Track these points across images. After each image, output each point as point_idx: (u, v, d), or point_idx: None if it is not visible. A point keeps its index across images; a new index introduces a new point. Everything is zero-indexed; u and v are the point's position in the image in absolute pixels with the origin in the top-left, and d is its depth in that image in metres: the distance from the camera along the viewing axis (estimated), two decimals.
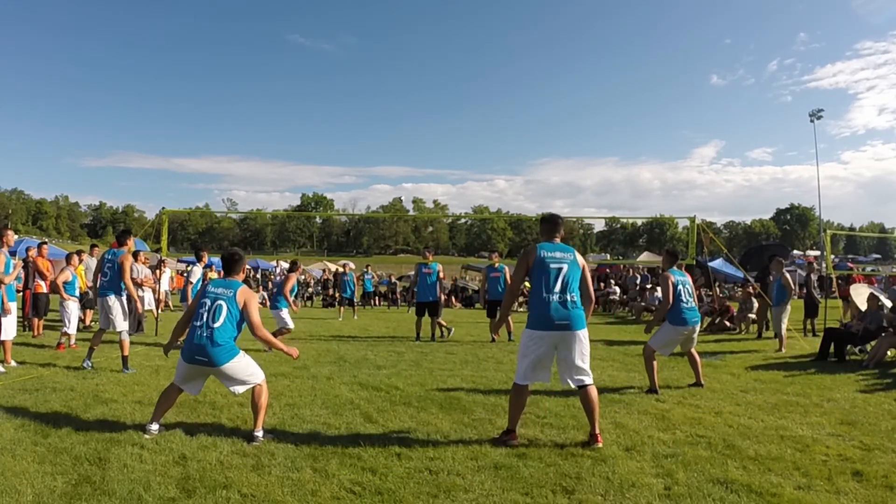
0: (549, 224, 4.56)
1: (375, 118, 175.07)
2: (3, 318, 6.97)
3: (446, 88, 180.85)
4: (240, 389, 4.49)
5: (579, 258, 4.49)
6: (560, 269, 4.33)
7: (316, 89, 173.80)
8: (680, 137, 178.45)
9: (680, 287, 6.44)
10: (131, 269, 11.37)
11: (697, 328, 6.64)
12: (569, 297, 4.30)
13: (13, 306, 7.21)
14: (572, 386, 4.38)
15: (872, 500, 3.44)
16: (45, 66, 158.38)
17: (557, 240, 4.53)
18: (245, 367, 4.46)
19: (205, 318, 4.35)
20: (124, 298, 7.41)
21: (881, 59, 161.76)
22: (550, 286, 4.28)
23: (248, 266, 38.35)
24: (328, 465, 3.86)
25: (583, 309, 4.39)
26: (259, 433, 4.37)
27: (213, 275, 22.59)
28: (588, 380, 4.35)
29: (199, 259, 10.90)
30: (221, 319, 4.33)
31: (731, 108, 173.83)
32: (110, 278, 7.38)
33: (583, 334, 4.33)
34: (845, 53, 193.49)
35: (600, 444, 4.26)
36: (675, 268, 6.73)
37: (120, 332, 7.27)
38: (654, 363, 6.34)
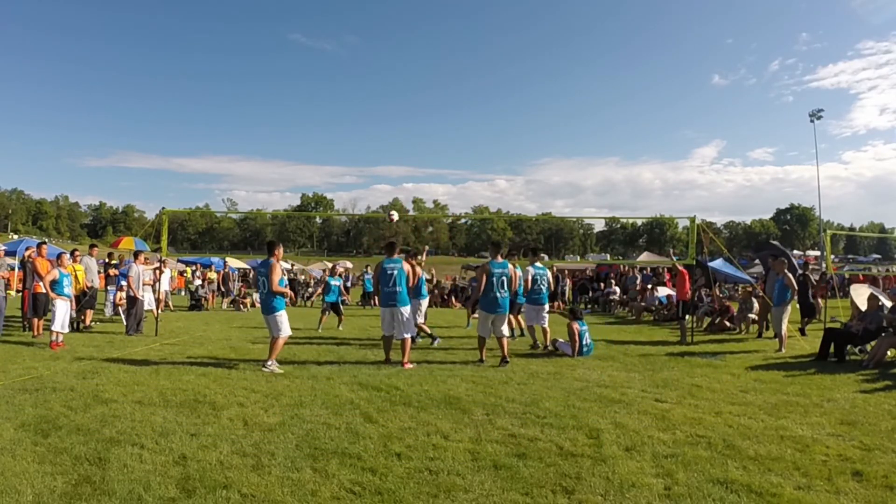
0: (390, 248, 8.42)
1: (377, 118, 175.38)
2: None
3: (448, 88, 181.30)
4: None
5: (406, 266, 8.15)
6: (393, 272, 7.97)
7: (317, 89, 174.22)
8: (681, 137, 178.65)
9: (494, 279, 8.08)
10: (133, 272, 11.47)
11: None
12: (397, 289, 7.96)
13: None
14: (397, 337, 8.02)
15: (872, 500, 3.44)
16: (45, 65, 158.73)
17: (396, 256, 8.20)
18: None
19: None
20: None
21: (883, 59, 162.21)
22: (387, 282, 7.98)
23: (248, 266, 38.40)
24: (328, 465, 3.86)
25: (406, 294, 8.09)
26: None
27: (213, 275, 22.61)
28: (407, 335, 8.07)
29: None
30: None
31: (733, 108, 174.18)
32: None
33: (405, 309, 8.02)
34: (847, 53, 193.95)
35: (408, 367, 7.59)
36: (497, 259, 8.33)
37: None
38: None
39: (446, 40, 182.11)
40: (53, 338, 8.97)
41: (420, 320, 10.47)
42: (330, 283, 14.74)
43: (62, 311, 9.16)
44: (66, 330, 9.35)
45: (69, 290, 9.57)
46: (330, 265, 36.78)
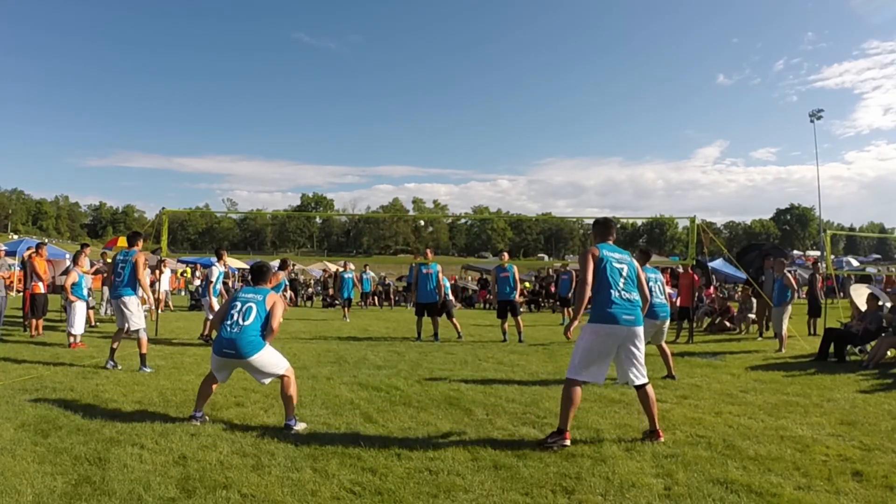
0: (604, 227, 4.79)
1: (379, 117, 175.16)
2: None
3: (451, 87, 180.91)
4: (267, 380, 4.81)
5: (634, 260, 4.73)
6: (622, 270, 4.51)
7: (320, 88, 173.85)
8: (684, 137, 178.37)
9: (651, 283, 6.90)
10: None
11: (667, 323, 7.36)
12: (632, 296, 4.47)
13: None
14: (635, 383, 4.48)
15: (872, 500, 3.44)
16: (45, 65, 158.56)
17: (612, 241, 4.73)
18: (270, 359, 4.74)
19: (235, 317, 4.71)
20: (138, 297, 7.46)
21: (888, 59, 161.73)
22: (616, 284, 4.43)
23: (247, 266, 38.40)
24: (328, 465, 3.86)
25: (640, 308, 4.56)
26: (291, 422, 4.67)
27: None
28: (645, 378, 4.54)
29: (220, 258, 11.27)
30: (251, 319, 4.69)
31: (736, 107, 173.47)
32: (125, 278, 7.38)
33: (640, 331, 4.49)
34: (852, 53, 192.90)
35: (661, 439, 4.42)
36: (646, 265, 7.35)
37: (137, 331, 7.28)
38: None
39: (449, 39, 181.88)
40: (71, 340, 9.05)
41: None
42: (344, 277, 16.08)
43: (81, 313, 9.26)
44: (83, 330, 9.43)
45: (86, 291, 9.68)
46: (332, 265, 36.87)
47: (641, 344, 4.48)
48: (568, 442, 4.27)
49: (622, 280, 4.45)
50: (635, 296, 4.49)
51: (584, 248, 4.71)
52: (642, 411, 5.38)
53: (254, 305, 4.76)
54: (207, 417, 4.86)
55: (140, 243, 7.75)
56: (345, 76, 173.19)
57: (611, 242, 4.70)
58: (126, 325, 7.30)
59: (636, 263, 4.67)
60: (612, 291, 4.39)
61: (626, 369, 4.47)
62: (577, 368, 4.42)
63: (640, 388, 4.50)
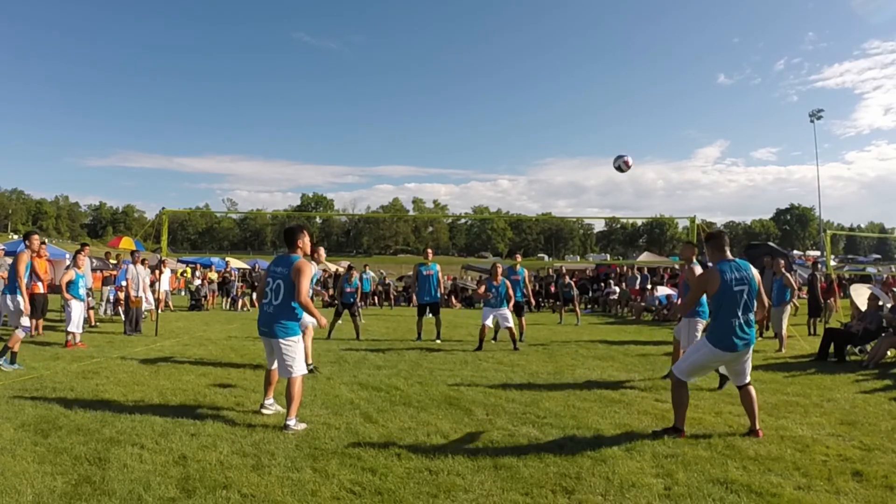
0: (718, 240, 4.67)
1: (380, 117, 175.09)
2: None
3: (451, 88, 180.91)
4: (286, 376, 4.77)
5: (754, 272, 4.58)
6: (743, 291, 4.46)
7: (321, 88, 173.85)
8: (685, 137, 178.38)
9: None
10: (131, 273, 11.43)
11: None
12: (749, 317, 4.49)
13: None
14: (738, 384, 4.70)
15: (872, 500, 3.44)
16: (46, 65, 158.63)
17: (728, 253, 4.61)
18: (297, 351, 4.78)
19: (269, 296, 4.80)
20: (18, 297, 7.36)
21: (888, 59, 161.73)
22: (737, 312, 4.43)
23: (247, 266, 38.39)
24: (328, 465, 3.86)
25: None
26: (292, 422, 4.64)
27: (213, 275, 22.60)
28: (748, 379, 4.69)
29: (314, 254, 9.90)
30: (281, 297, 4.74)
31: (737, 107, 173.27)
32: (9, 277, 7.41)
33: (751, 347, 4.58)
34: (853, 53, 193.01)
35: (761, 437, 4.55)
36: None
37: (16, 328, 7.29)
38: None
39: (450, 40, 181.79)
40: (69, 338, 9.04)
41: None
42: (363, 276, 15.55)
43: (77, 312, 9.24)
44: (81, 330, 9.42)
45: (84, 291, 9.64)
46: (332, 265, 36.75)
47: (750, 353, 4.59)
48: (683, 438, 4.51)
49: (742, 305, 4.44)
50: (752, 317, 4.51)
51: (706, 269, 4.73)
52: (643, 411, 5.38)
53: (281, 281, 4.74)
54: (278, 406, 5.08)
55: (28, 241, 7.47)
56: (345, 76, 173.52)
57: (728, 255, 4.60)
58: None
59: (757, 277, 4.57)
60: (733, 320, 4.42)
61: (736, 374, 4.68)
62: (686, 373, 4.63)
63: (743, 388, 4.68)
